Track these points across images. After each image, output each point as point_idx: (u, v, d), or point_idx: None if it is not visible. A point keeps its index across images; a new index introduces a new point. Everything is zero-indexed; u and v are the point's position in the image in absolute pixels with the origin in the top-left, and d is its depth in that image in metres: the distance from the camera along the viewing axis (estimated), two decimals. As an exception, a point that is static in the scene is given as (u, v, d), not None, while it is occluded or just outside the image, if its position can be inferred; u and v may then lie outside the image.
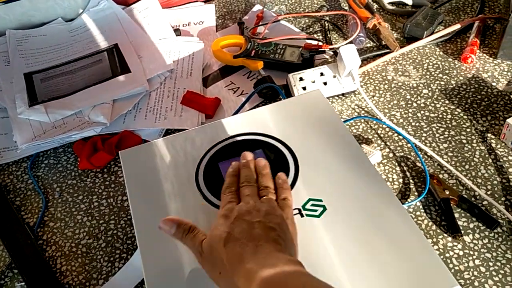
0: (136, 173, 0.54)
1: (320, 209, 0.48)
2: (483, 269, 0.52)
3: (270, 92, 0.74)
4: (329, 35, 0.85)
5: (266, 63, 0.79)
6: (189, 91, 0.76)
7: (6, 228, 0.62)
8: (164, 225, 0.45)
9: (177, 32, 0.88)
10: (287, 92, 0.74)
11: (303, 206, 0.48)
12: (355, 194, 0.49)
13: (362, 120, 0.70)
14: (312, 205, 0.49)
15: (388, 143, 0.66)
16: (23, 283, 0.57)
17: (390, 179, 0.62)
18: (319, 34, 0.86)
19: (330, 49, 0.79)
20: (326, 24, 0.88)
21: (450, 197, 0.58)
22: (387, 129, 0.68)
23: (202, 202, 0.50)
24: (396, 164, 0.64)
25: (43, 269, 0.58)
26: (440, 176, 0.61)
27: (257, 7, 0.94)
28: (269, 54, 0.79)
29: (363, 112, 0.71)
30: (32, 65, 0.84)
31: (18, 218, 0.64)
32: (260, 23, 0.89)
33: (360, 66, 0.77)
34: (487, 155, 0.63)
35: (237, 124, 0.59)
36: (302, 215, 0.48)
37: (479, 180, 0.60)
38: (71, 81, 0.80)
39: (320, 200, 0.49)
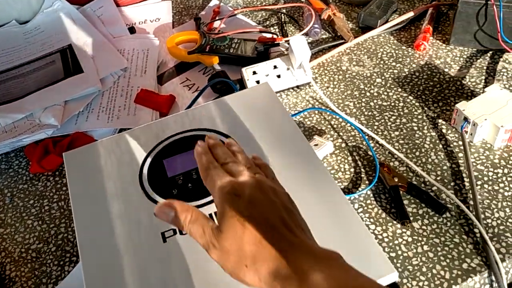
0: (79, 175, 0.53)
1: (263, 202, 0.48)
2: (431, 255, 0.52)
3: (224, 87, 0.73)
4: (285, 28, 0.85)
5: (221, 58, 0.78)
6: (143, 89, 0.75)
7: (-46, 236, 0.61)
8: (160, 211, 0.39)
9: (132, 30, 0.87)
10: (242, 86, 0.73)
11: (246, 200, 0.48)
12: (299, 185, 0.49)
13: (316, 112, 0.69)
14: (255, 198, 0.48)
15: (340, 134, 0.66)
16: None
17: (342, 169, 0.62)
18: (275, 27, 0.86)
19: (286, 41, 0.79)
20: (283, 16, 0.87)
21: (399, 184, 0.58)
22: (340, 120, 0.68)
23: None
24: (348, 154, 0.63)
25: (-9, 277, 0.57)
26: (391, 163, 0.61)
27: (213, 2, 0.93)
28: (224, 48, 0.78)
29: (317, 103, 0.71)
30: (-17, 69, 0.82)
31: (-33, 226, 0.62)
32: (217, 18, 0.89)
33: (315, 58, 0.77)
34: (437, 141, 0.63)
35: (184, 120, 0.58)
36: (244, 209, 0.47)
37: (429, 166, 0.61)
38: (23, 84, 0.79)
39: (263, 193, 0.48)
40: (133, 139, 0.57)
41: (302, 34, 0.80)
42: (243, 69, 0.73)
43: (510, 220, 0.54)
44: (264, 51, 0.77)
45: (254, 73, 0.73)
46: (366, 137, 0.64)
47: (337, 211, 0.46)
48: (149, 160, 0.54)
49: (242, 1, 0.93)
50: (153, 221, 0.48)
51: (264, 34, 0.82)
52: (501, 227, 0.54)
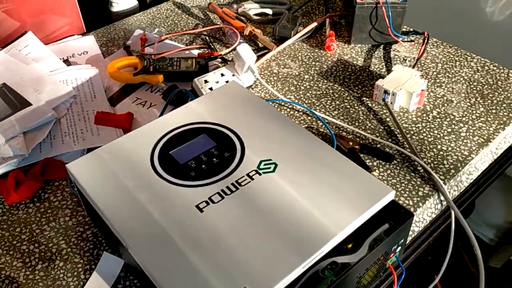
0: (93, 180, 0.56)
1: (273, 166, 0.57)
2: (394, 191, 0.66)
3: (179, 98, 0.81)
4: (213, 46, 0.96)
5: (165, 76, 0.86)
6: (100, 111, 0.79)
7: None
8: None
9: (67, 62, 0.90)
10: (195, 96, 0.82)
11: (258, 167, 0.57)
12: (295, 147, 0.59)
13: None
14: (265, 164, 0.57)
15: (293, 120, 0.78)
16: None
17: (304, 146, 0.74)
18: (204, 47, 0.96)
19: (220, 55, 0.89)
20: (207, 38, 0.98)
21: (354, 146, 0.72)
22: (289, 109, 0.80)
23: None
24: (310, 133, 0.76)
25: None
26: (341, 134, 0.75)
27: (137, 32, 1.00)
28: (167, 67, 0.86)
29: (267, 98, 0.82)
30: None
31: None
32: (146, 44, 0.96)
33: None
34: (368, 113, 0.79)
35: (173, 119, 0.64)
36: (260, 174, 0.56)
37: (369, 131, 0.76)
38: (-36, 125, 0.76)
39: (270, 159, 0.58)
40: (131, 142, 0.61)
41: (232, 50, 0.91)
42: (195, 80, 0.82)
43: (439, 155, 0.71)
44: (205, 65, 0.87)
45: (206, 81, 0.81)
46: (316, 117, 0.77)
47: (332, 159, 0.57)
48: (156, 155, 0.59)
49: (164, 29, 1.02)
50: (184, 199, 0.53)
51: (199, 51, 0.91)
52: (435, 162, 0.70)
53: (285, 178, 0.55)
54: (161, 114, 0.77)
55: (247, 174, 0.56)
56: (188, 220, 0.51)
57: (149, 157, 0.59)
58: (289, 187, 0.54)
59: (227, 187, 0.55)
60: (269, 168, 0.57)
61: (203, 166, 0.57)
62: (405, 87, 0.78)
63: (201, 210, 0.52)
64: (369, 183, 0.55)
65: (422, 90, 0.78)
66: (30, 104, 0.79)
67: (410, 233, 0.64)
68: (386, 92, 0.79)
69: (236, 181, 0.55)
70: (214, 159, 0.58)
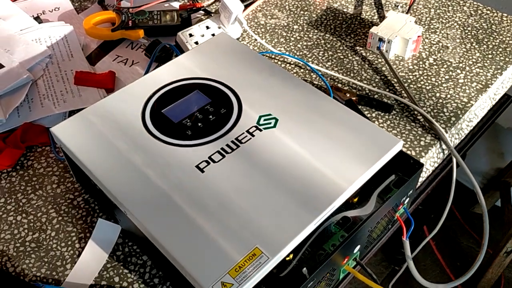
0: (82, 143, 0.52)
1: (273, 121, 0.54)
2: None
3: (163, 54, 0.76)
4: (193, -2, 0.90)
5: (146, 30, 0.80)
6: (79, 71, 0.74)
7: None
8: None
9: (38, 20, 0.83)
10: (180, 51, 0.77)
11: (258, 123, 0.54)
12: (294, 100, 0.56)
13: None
14: (265, 120, 0.54)
15: (285, 73, 0.75)
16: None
17: (299, 99, 0.70)
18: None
19: (203, 7, 0.84)
20: (186, -12, 0.92)
21: (352, 98, 0.69)
22: (280, 62, 0.76)
23: None
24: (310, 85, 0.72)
25: (-4, 278, 0.52)
26: (337, 85, 0.72)
27: (112, -16, 0.93)
28: (147, 21, 0.80)
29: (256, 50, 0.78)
30: None
31: None
32: (122, -2, 0.89)
33: (234, 18, 0.84)
34: (362, 62, 0.76)
35: (161, 76, 0.60)
36: (260, 130, 0.53)
37: (365, 82, 0.73)
38: None
39: (270, 114, 0.54)
40: (119, 102, 0.57)
41: (215, 0, 0.86)
42: (179, 33, 0.77)
43: (439, 104, 0.69)
44: (188, 18, 0.82)
45: (191, 35, 0.76)
46: (310, 68, 0.74)
47: (335, 110, 0.55)
48: (147, 114, 0.55)
49: (140, -20, 0.95)
50: (183, 160, 0.50)
51: (180, 3, 0.86)
52: (435, 111, 0.68)
53: (287, 133, 0.52)
54: (146, 72, 0.72)
55: (247, 131, 0.53)
56: (189, 181, 0.48)
57: (140, 116, 0.55)
58: (292, 142, 0.51)
59: (227, 145, 0.51)
60: (270, 123, 0.54)
61: (199, 124, 0.54)
62: (400, 34, 0.75)
63: (202, 170, 0.49)
64: (376, 134, 0.52)
65: (418, 37, 0.75)
66: (2, 66, 0.73)
67: (414, 183, 0.63)
68: (381, 40, 0.75)
69: (236, 138, 0.52)
70: (211, 116, 0.55)
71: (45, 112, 0.68)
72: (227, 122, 0.54)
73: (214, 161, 0.50)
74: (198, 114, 0.55)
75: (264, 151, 0.51)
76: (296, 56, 0.77)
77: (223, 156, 0.50)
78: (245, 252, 0.43)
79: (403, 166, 0.52)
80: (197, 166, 0.49)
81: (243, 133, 0.53)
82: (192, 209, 0.46)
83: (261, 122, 0.54)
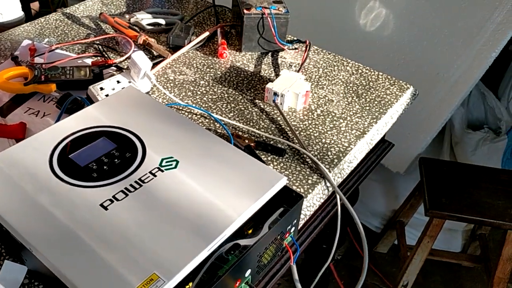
0: (-11, 187, 0.55)
1: (174, 162, 0.60)
2: (287, 181, 0.73)
3: (75, 106, 0.80)
4: (106, 55, 0.96)
5: (58, 84, 0.85)
6: (-11, 122, 0.76)
7: None
8: None
9: None
10: (91, 103, 0.82)
11: (160, 165, 0.60)
12: (195, 144, 0.63)
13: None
14: (167, 162, 0.60)
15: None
16: None
17: (203, 146, 0.78)
18: (97, 56, 0.96)
19: (115, 63, 0.91)
20: (100, 47, 0.98)
21: (250, 144, 0.77)
22: (187, 113, 0.84)
23: None
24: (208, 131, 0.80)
25: None
26: (238, 133, 0.80)
27: (26, 42, 0.97)
28: (59, 76, 0.85)
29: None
30: None
31: None
32: (36, 55, 0.93)
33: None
34: (260, 113, 0.86)
35: (70, 124, 0.65)
36: (162, 171, 0.59)
37: (263, 129, 0.82)
38: None
39: (171, 157, 0.61)
40: (27, 148, 0.60)
41: (127, 58, 0.93)
42: (91, 87, 0.82)
43: (324, 148, 0.79)
44: (100, 73, 0.88)
45: (102, 89, 0.82)
46: (213, 119, 0.82)
47: (229, 153, 0.62)
48: (55, 159, 0.59)
49: (54, 38, 1.00)
50: (88, 199, 0.54)
51: (93, 59, 0.92)
52: (321, 154, 0.78)
53: (186, 173, 0.59)
54: (59, 118, 0.76)
55: (150, 172, 0.59)
56: (94, 218, 0.52)
57: (48, 161, 0.59)
58: (191, 180, 0.58)
59: (131, 185, 0.57)
60: (171, 164, 0.60)
61: (105, 167, 0.59)
62: (292, 89, 0.86)
63: (105, 208, 0.54)
64: (263, 172, 0.60)
65: (307, 91, 0.87)
66: None
67: (303, 216, 0.71)
68: (275, 94, 0.86)
69: (139, 179, 0.58)
70: (116, 160, 0.60)
71: (-48, 161, 0.69)
72: (132, 164, 0.59)
73: (117, 199, 0.55)
74: (104, 158, 0.60)
75: (164, 189, 0.57)
76: (201, 108, 0.85)
77: (126, 195, 0.55)
78: (144, 277, 0.47)
79: (287, 199, 0.60)
80: (101, 205, 0.54)
81: (146, 173, 0.58)
82: (96, 243, 0.50)
83: (163, 164, 0.60)
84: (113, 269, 0.48)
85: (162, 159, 0.61)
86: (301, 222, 0.72)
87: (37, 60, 0.92)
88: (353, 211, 0.73)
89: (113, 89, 0.83)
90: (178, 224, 0.53)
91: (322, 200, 0.75)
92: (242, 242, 0.55)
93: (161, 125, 0.66)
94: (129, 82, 0.85)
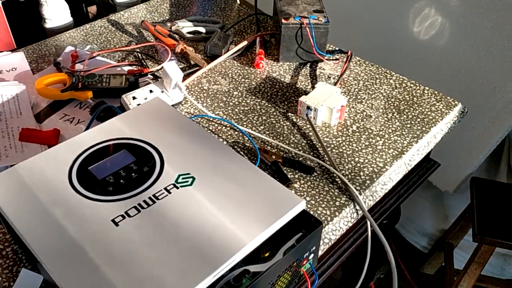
0: (9, 197, 0.56)
1: (190, 179, 0.59)
2: (313, 202, 0.69)
3: (107, 115, 0.81)
4: (144, 63, 0.97)
5: (94, 92, 0.86)
6: (24, 128, 0.78)
7: None
8: None
9: (-7, 79, 0.88)
10: (124, 112, 0.82)
11: (176, 181, 0.58)
12: (213, 162, 0.61)
13: (195, 121, 0.83)
14: (183, 178, 0.59)
15: (220, 134, 0.80)
16: None
17: (230, 160, 0.76)
18: (135, 64, 0.97)
19: (151, 72, 0.91)
20: (139, 55, 0.99)
21: (277, 160, 0.75)
22: (217, 124, 0.82)
23: None
24: (231, 148, 0.78)
25: None
26: (266, 148, 0.78)
27: (69, 48, 1.00)
28: (96, 83, 0.86)
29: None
30: None
31: None
32: (77, 61, 0.96)
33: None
34: (292, 127, 0.83)
35: (94, 136, 0.65)
36: (177, 187, 0.58)
37: (292, 145, 0.79)
38: None
39: (188, 174, 0.59)
40: (50, 158, 0.61)
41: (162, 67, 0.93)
42: (123, 96, 0.82)
43: (356, 168, 0.75)
44: (135, 82, 0.88)
45: (134, 98, 0.82)
46: (246, 133, 0.80)
47: (247, 172, 0.60)
48: (74, 171, 0.59)
49: (96, 45, 1.02)
50: (101, 214, 0.54)
51: (132, 67, 0.92)
52: (352, 174, 0.74)
53: (201, 191, 0.57)
54: (87, 129, 0.77)
55: (165, 188, 0.57)
56: (103, 234, 0.52)
57: (67, 172, 0.59)
58: (204, 200, 0.56)
59: (144, 201, 0.56)
60: (187, 182, 0.58)
61: (121, 181, 0.58)
62: (326, 103, 0.82)
63: (116, 224, 0.53)
64: (282, 194, 0.57)
65: (342, 106, 0.83)
66: (-50, 121, 0.77)
67: (327, 241, 0.67)
68: (308, 108, 0.82)
69: (154, 195, 0.56)
70: (133, 174, 0.59)
71: (-14, 166, 0.72)
72: (148, 179, 0.59)
73: (129, 216, 0.54)
74: (122, 172, 0.59)
75: (177, 207, 0.55)
76: (231, 121, 0.83)
77: (139, 211, 0.55)
78: (145, 301, 0.46)
79: (306, 224, 0.57)
80: (113, 220, 0.53)
81: (161, 190, 0.57)
82: (102, 260, 0.49)
83: (180, 180, 0.59)
84: (115, 288, 0.47)
85: (179, 175, 0.59)
86: (327, 246, 0.68)
87: (78, 66, 0.94)
88: (383, 239, 0.68)
89: (146, 98, 0.83)
90: (186, 246, 0.51)
91: (350, 224, 0.71)
92: (253, 268, 0.52)
93: (182, 140, 0.65)
94: (162, 91, 0.85)
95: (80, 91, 0.85)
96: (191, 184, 0.58)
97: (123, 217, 0.54)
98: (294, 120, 0.84)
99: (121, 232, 0.52)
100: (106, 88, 0.86)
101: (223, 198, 0.56)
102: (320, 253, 0.66)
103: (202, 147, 0.64)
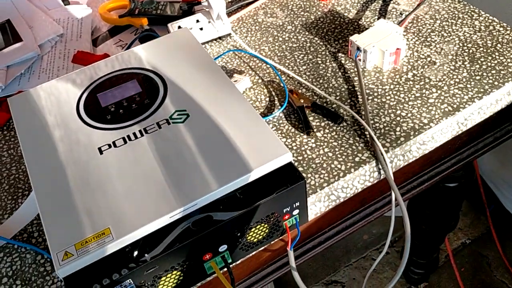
0: (24, 115, 0.61)
1: (184, 116, 0.57)
2: (330, 154, 0.63)
3: (153, 42, 0.82)
4: (207, -9, 0.94)
5: (150, 19, 0.87)
6: (79, 51, 0.83)
7: None
8: None
9: (66, 2, 0.94)
10: (169, 41, 0.82)
11: (170, 117, 0.57)
12: (215, 103, 0.58)
13: (236, 56, 0.79)
14: (178, 115, 0.57)
15: (257, 72, 0.76)
16: None
17: (259, 99, 0.72)
18: (198, -9, 0.95)
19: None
20: (204, -19, 0.96)
21: (305, 105, 0.68)
22: (257, 61, 0.78)
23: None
24: (264, 87, 0.74)
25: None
26: (299, 91, 0.72)
27: (141, -26, 1.01)
28: (152, 10, 0.87)
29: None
30: None
31: None
32: (144, -13, 0.96)
33: (235, 13, 0.87)
34: (337, 70, 0.74)
35: (113, 63, 0.66)
36: (169, 123, 0.56)
37: (330, 90, 0.71)
38: (-35, 56, 0.84)
39: (184, 110, 0.58)
40: (69, 82, 0.64)
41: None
42: (169, 25, 0.82)
43: (394, 122, 0.66)
44: (189, 10, 0.86)
45: (179, 27, 0.81)
46: (279, 72, 0.75)
47: (245, 121, 0.56)
48: (84, 96, 0.62)
49: (167, -29, 1.02)
50: (90, 140, 0.56)
51: (188, -4, 0.91)
52: (387, 128, 0.65)
53: (190, 130, 0.55)
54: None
55: (157, 123, 0.57)
56: (85, 160, 0.54)
57: (77, 98, 0.62)
58: (189, 140, 0.54)
59: (133, 133, 0.56)
60: (180, 119, 0.57)
61: (121, 110, 0.59)
62: (379, 45, 0.72)
63: (101, 152, 0.54)
64: (270, 143, 0.53)
65: (397, 49, 0.71)
66: (21, 40, 0.85)
67: (334, 197, 0.61)
68: (358, 48, 0.73)
69: (144, 129, 0.56)
70: (134, 105, 0.59)
71: (39, 83, 0.78)
72: (145, 112, 0.58)
73: (115, 146, 0.55)
74: (124, 102, 0.60)
75: (160, 144, 0.54)
76: (269, 59, 0.77)
77: (125, 143, 0.55)
78: (97, 230, 0.47)
79: (292, 179, 0.52)
80: (99, 148, 0.55)
81: (153, 124, 0.57)
82: (75, 185, 0.52)
83: (174, 116, 0.57)
84: (77, 211, 0.49)
85: (175, 111, 0.58)
86: (333, 204, 0.62)
87: (144, -8, 0.95)
88: (404, 209, 0.60)
89: (191, 28, 0.81)
90: (155, 184, 0.50)
91: (368, 184, 0.63)
92: (218, 216, 0.50)
93: (194, 77, 0.62)
94: (209, 22, 0.82)
95: (136, 17, 0.87)
96: (183, 122, 0.56)
97: (109, 146, 0.55)
98: (343, 61, 0.76)
99: (102, 160, 0.54)
100: (160, 15, 0.86)
101: (208, 140, 0.54)
102: (323, 209, 0.61)
103: (211, 86, 0.61)
